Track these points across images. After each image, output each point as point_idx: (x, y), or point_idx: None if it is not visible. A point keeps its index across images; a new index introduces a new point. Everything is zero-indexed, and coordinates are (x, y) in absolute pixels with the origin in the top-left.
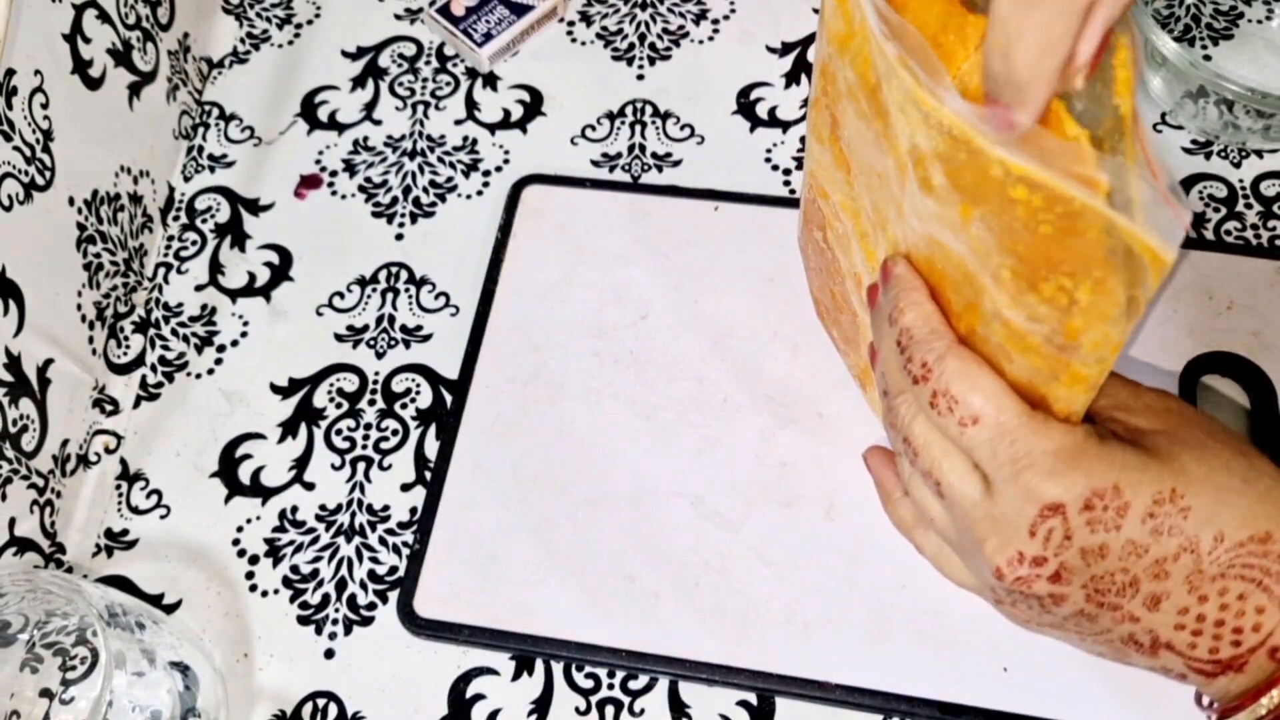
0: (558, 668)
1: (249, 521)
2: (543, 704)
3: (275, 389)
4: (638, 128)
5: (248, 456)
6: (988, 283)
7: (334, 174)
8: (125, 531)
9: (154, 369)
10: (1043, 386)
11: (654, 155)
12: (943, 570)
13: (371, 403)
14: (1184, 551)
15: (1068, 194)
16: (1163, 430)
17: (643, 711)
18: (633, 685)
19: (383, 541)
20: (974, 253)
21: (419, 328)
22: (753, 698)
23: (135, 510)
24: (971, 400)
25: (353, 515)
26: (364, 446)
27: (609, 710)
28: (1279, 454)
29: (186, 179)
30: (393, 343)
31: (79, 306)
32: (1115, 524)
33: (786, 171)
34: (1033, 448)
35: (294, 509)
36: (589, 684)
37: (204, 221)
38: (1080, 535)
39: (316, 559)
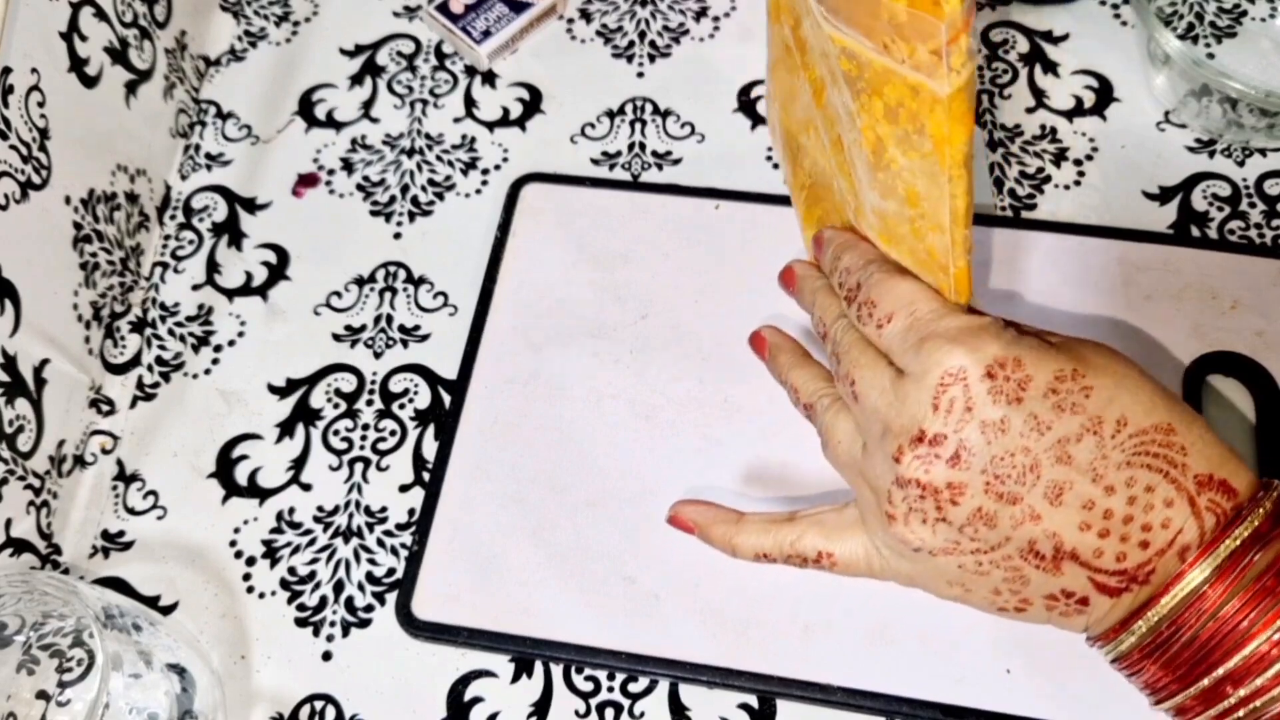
0: (557, 670)
1: (246, 523)
2: (542, 706)
3: (272, 389)
4: (638, 126)
5: (245, 457)
6: (852, 169)
7: (332, 172)
8: (122, 532)
9: (151, 369)
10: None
11: (654, 153)
12: (835, 540)
13: (369, 403)
14: (1087, 432)
15: (868, 56)
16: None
17: (643, 714)
18: (633, 688)
19: (380, 543)
20: (839, 133)
21: (417, 327)
22: (754, 700)
23: (132, 511)
24: (886, 301)
25: (350, 516)
26: (362, 447)
27: (609, 713)
28: None
29: (183, 177)
30: (391, 342)
31: (75, 306)
32: (1017, 395)
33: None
34: (937, 327)
35: (291, 510)
36: (589, 686)
37: (201, 220)
38: (981, 405)
39: (314, 560)
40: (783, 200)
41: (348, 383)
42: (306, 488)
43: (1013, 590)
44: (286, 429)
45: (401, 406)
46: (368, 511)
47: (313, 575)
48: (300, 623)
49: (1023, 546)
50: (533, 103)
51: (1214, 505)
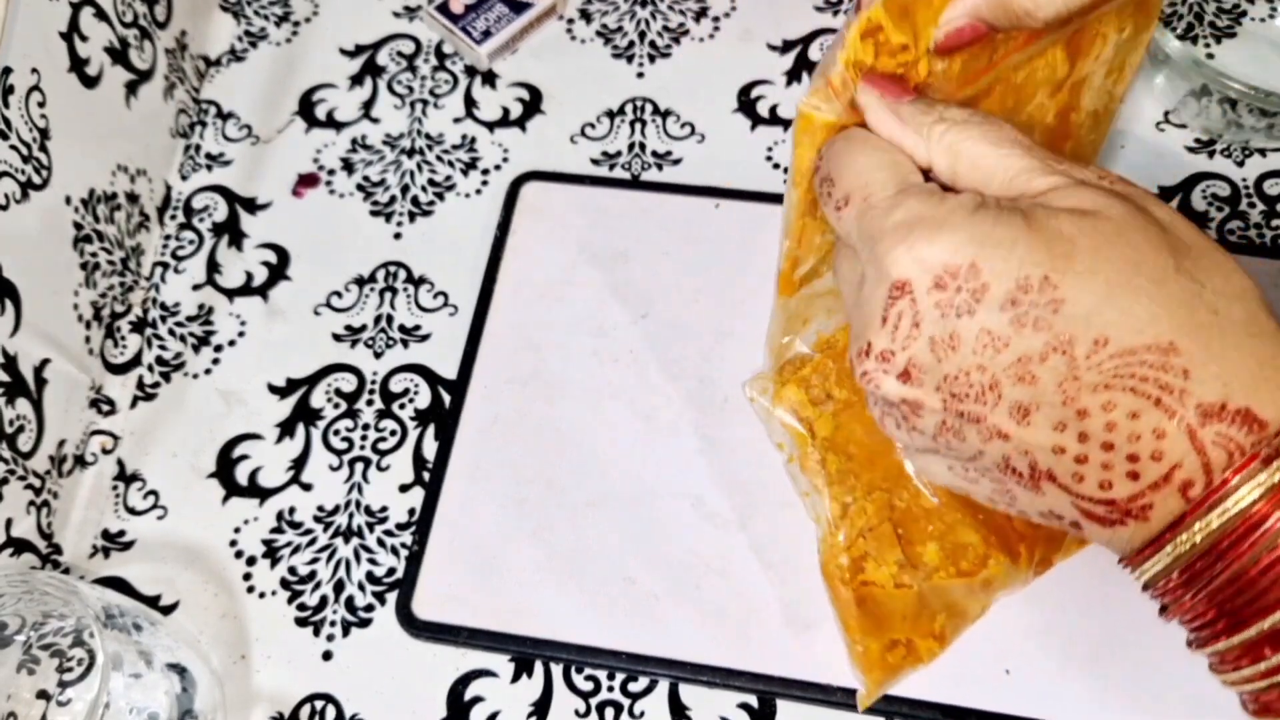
0: (557, 670)
1: (246, 522)
2: (542, 706)
3: (273, 389)
4: (638, 126)
5: (245, 457)
6: None
7: (332, 173)
8: (122, 532)
9: (151, 369)
10: None
11: (654, 153)
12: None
13: (369, 403)
14: (1052, 351)
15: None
16: (1083, 210)
17: (643, 714)
18: (633, 687)
19: (381, 543)
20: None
21: (417, 327)
22: (754, 700)
23: (132, 511)
24: (842, 180)
25: (350, 516)
26: (362, 447)
27: (609, 712)
28: None
29: (184, 178)
30: (391, 342)
31: (76, 306)
32: (968, 308)
33: (787, 170)
34: (887, 222)
35: (291, 510)
36: (589, 686)
37: (201, 220)
38: (929, 321)
39: (314, 560)
40: (782, 199)
41: (348, 383)
42: (307, 487)
43: (1006, 502)
44: (287, 429)
45: (402, 406)
46: (368, 511)
47: (313, 575)
48: (300, 622)
49: (998, 461)
50: (533, 103)
51: (1223, 439)
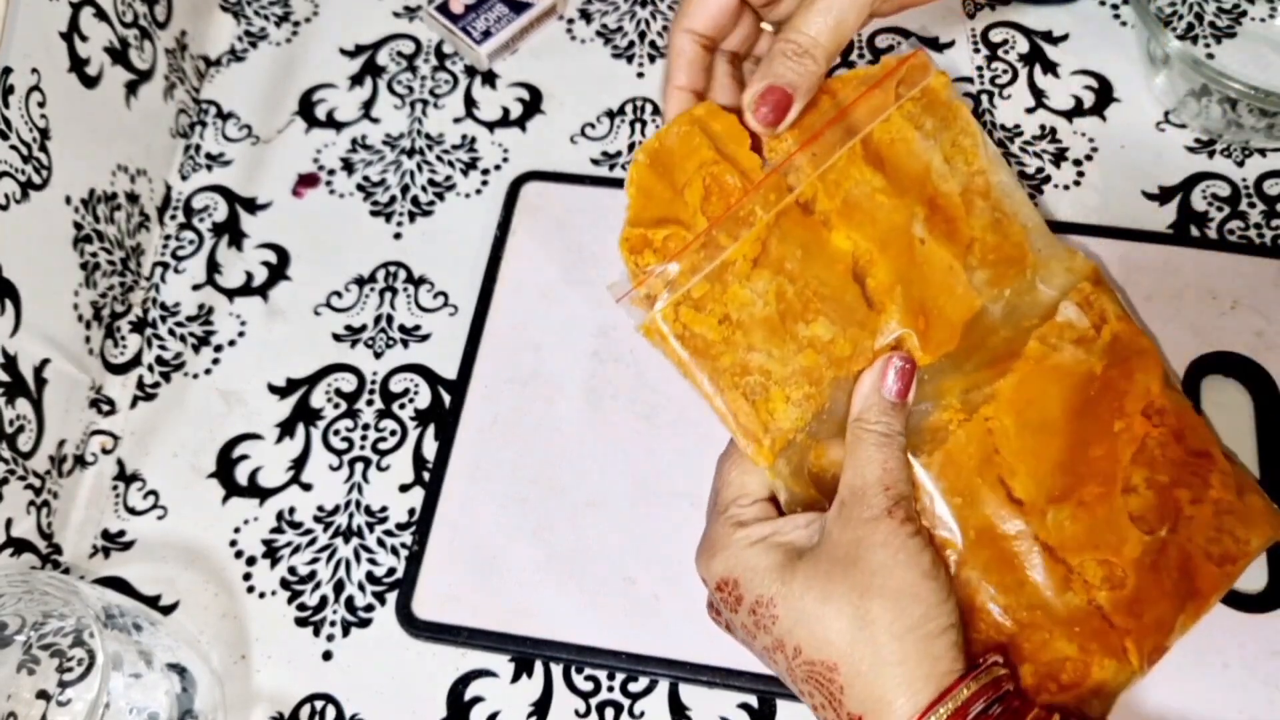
0: (557, 670)
1: (246, 522)
2: (542, 706)
3: (273, 389)
4: (638, 125)
5: (245, 457)
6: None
7: (332, 173)
8: (122, 532)
9: (151, 369)
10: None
11: None
12: None
13: (369, 403)
14: (776, 649)
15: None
16: (819, 554)
17: (643, 714)
18: (633, 687)
19: (381, 543)
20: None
21: (417, 327)
22: (754, 700)
23: (132, 511)
24: (716, 478)
25: (350, 516)
26: (362, 447)
27: (609, 712)
28: None
29: (184, 178)
30: (391, 342)
31: (76, 306)
32: (734, 607)
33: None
34: (710, 528)
35: (291, 510)
36: (589, 686)
37: (201, 220)
38: (720, 605)
39: (314, 560)
40: None
41: (348, 383)
42: (307, 487)
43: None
44: (287, 429)
45: (402, 406)
46: (368, 511)
47: (313, 575)
48: (300, 622)
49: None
50: (533, 103)
51: None
